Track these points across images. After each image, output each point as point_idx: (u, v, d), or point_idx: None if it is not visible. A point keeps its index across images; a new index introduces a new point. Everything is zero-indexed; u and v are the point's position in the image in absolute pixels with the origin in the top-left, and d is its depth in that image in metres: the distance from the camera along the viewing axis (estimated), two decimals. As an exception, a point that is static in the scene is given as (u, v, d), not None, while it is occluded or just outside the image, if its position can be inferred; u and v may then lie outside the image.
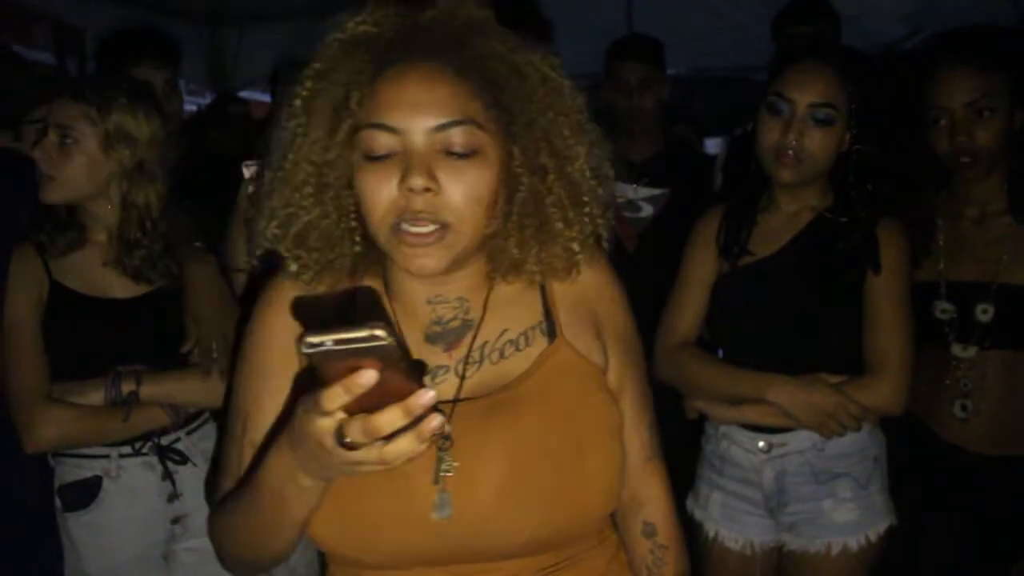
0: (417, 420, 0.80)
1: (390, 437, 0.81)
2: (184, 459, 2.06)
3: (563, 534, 1.12)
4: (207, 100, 5.34)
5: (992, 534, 2.03)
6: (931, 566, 2.08)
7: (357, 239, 1.14)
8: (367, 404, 0.80)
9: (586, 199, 1.14)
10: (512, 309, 1.18)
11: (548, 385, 1.14)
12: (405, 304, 1.17)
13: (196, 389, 2.03)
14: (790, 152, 1.90)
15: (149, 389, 1.97)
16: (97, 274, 2.01)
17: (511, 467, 1.08)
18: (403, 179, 1.02)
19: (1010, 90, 1.94)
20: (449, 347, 1.16)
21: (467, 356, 1.15)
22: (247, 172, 2.38)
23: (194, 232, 2.16)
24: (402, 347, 0.78)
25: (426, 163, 1.02)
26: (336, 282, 1.16)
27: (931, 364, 2.03)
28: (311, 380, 0.87)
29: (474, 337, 1.16)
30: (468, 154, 1.04)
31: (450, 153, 1.03)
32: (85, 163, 1.96)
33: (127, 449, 2.01)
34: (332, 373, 0.79)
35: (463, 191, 1.03)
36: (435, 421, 0.81)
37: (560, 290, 1.20)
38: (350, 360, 0.77)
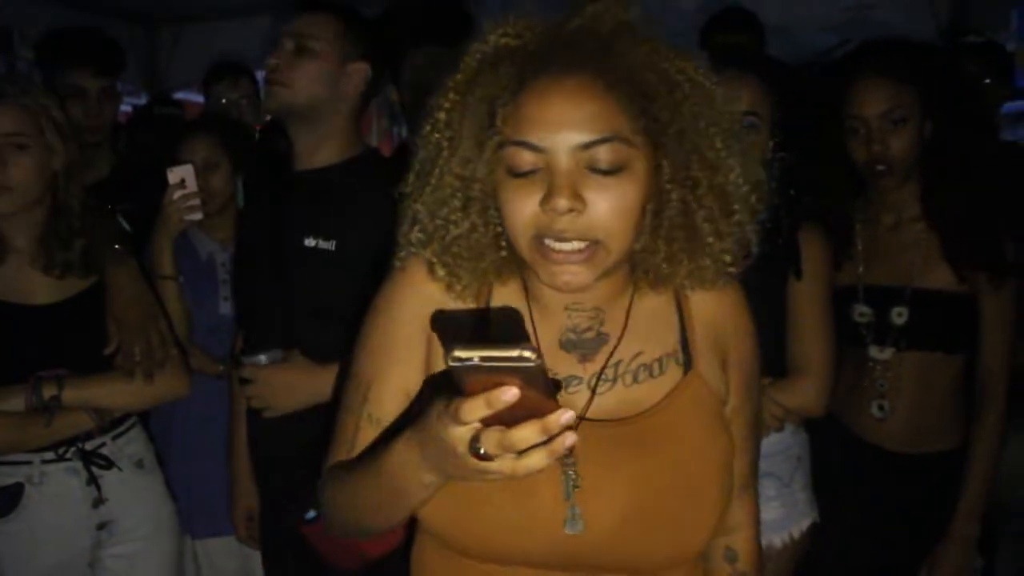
0: (551, 437, 0.82)
1: (523, 451, 0.83)
2: (109, 464, 2.04)
3: (670, 560, 1.14)
4: (142, 101, 5.25)
5: (910, 528, 2.09)
6: (852, 561, 2.14)
7: (503, 244, 1.13)
8: (503, 417, 0.81)
9: (736, 208, 1.09)
10: (649, 330, 1.16)
11: (679, 421, 1.13)
12: (543, 308, 1.16)
13: (120, 392, 2.01)
14: None
15: (71, 393, 1.95)
16: (17, 280, 1.98)
17: (636, 497, 1.09)
18: (546, 198, 1.00)
19: (921, 101, 2.00)
20: (584, 358, 1.16)
21: (601, 372, 1.15)
22: (171, 178, 2.36)
23: (115, 235, 2.13)
24: (544, 368, 0.79)
25: (571, 182, 1.00)
26: (482, 286, 1.17)
27: (850, 366, 2.09)
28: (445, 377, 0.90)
29: (611, 353, 1.15)
30: (614, 171, 1.01)
31: (595, 170, 1.01)
32: (36, 167, 1.95)
33: (50, 455, 1.98)
34: (473, 385, 0.81)
35: (609, 207, 1.01)
36: (569, 440, 0.82)
37: (697, 308, 1.18)
38: (493, 376, 0.79)
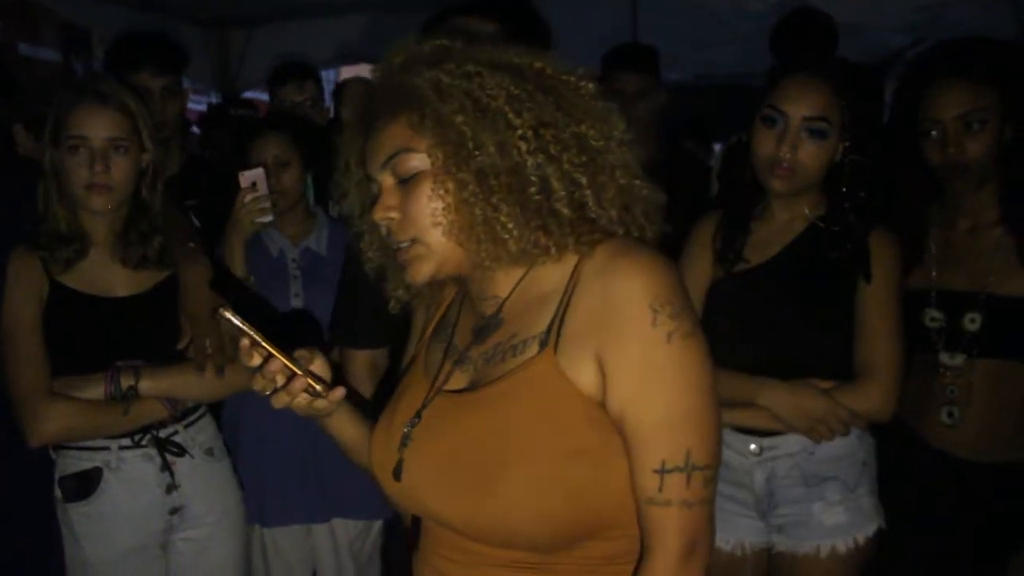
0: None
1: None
2: (182, 451, 2.10)
3: (492, 534, 1.16)
4: (212, 99, 5.38)
5: (977, 538, 2.05)
6: (920, 569, 2.10)
7: None
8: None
9: (533, 180, 1.15)
10: (531, 313, 1.20)
11: (506, 397, 1.16)
12: (470, 300, 1.31)
13: (192, 384, 2.07)
14: (784, 164, 1.93)
15: (147, 384, 2.01)
16: (97, 273, 2.06)
17: (443, 457, 1.19)
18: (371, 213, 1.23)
19: (1001, 103, 1.95)
20: (480, 341, 1.26)
21: (482, 350, 1.25)
22: (243, 181, 2.41)
23: (188, 231, 2.20)
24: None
25: (385, 197, 1.20)
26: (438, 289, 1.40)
27: (920, 371, 2.05)
28: None
29: (492, 334, 1.24)
30: (408, 178, 1.18)
31: (399, 182, 1.19)
32: (132, 167, 2.03)
33: (127, 441, 2.05)
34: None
35: (411, 209, 1.18)
36: (298, 384, 1.21)
37: (584, 290, 1.15)
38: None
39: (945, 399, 2.05)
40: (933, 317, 2.06)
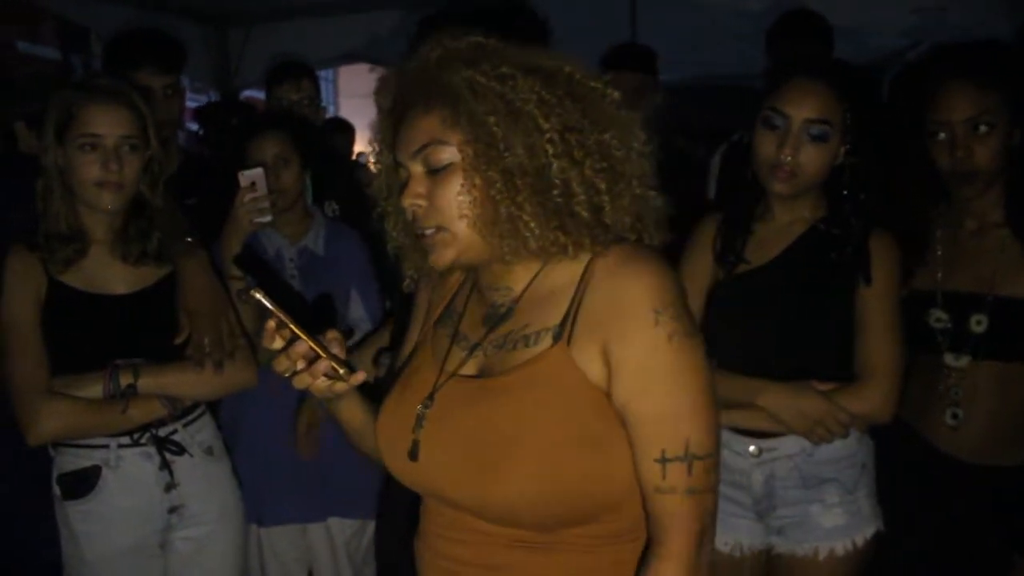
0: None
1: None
2: (181, 450, 2.10)
3: (500, 514, 1.24)
4: (210, 98, 5.37)
5: (979, 541, 2.05)
6: (916, 572, 2.10)
7: None
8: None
9: (557, 183, 1.21)
10: (544, 305, 1.28)
11: (521, 385, 1.24)
12: (480, 289, 1.36)
13: (191, 382, 2.08)
14: (785, 167, 1.93)
15: (146, 382, 2.01)
16: (95, 271, 2.06)
17: (458, 440, 1.26)
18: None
19: (1008, 106, 1.95)
20: (491, 330, 1.33)
21: (484, 338, 1.33)
22: (243, 181, 2.40)
23: (186, 228, 2.20)
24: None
25: (413, 184, 1.25)
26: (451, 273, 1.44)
27: (924, 372, 2.05)
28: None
29: (503, 324, 1.31)
30: (439, 169, 1.24)
31: (429, 172, 1.24)
32: (141, 165, 2.04)
33: (126, 440, 2.05)
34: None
35: (439, 198, 1.24)
36: (320, 366, 1.25)
37: (595, 287, 1.23)
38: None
39: (949, 400, 2.04)
40: (939, 318, 2.05)
